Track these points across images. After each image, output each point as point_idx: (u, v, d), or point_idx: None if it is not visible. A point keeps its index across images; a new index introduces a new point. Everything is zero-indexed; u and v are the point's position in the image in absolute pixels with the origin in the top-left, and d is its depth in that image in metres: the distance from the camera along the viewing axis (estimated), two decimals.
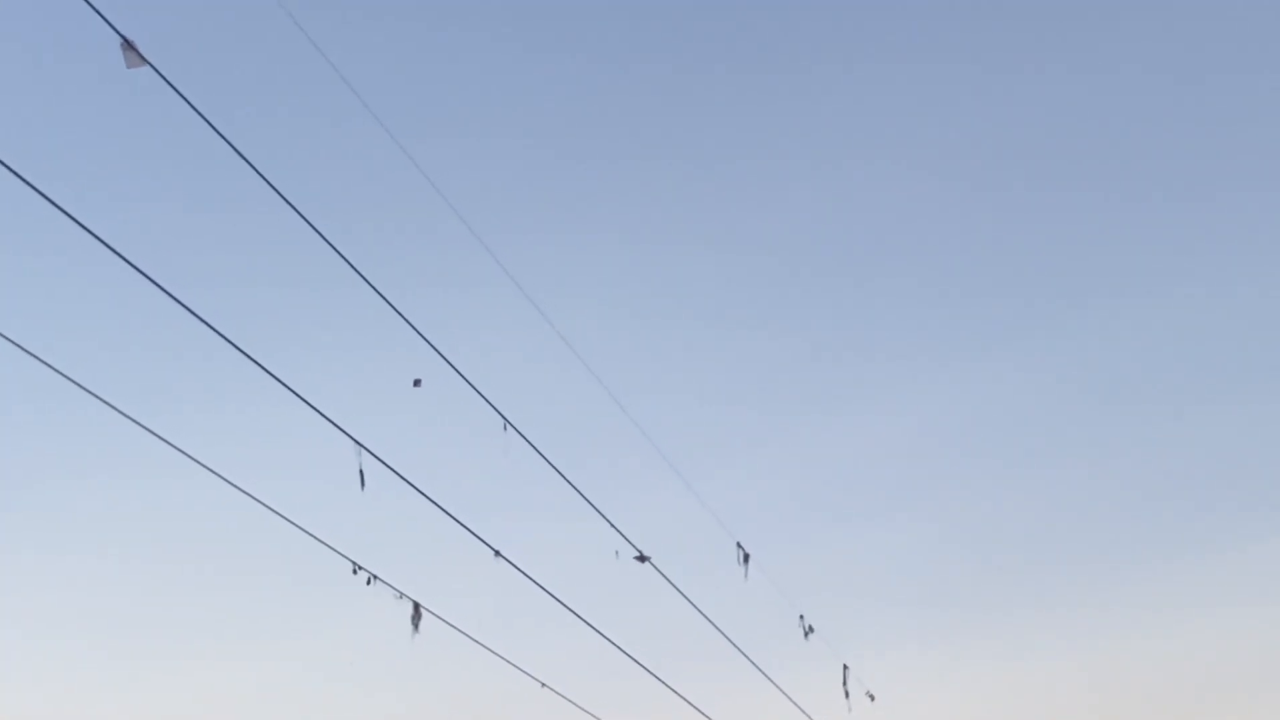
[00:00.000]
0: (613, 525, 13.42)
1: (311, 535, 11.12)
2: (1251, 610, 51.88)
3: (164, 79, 8.53)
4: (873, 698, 19.88)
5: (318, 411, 10.00)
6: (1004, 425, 57.33)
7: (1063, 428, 56.53)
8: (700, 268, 54.35)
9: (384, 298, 10.11)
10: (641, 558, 14.17)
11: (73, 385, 9.16)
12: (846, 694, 19.11)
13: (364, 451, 10.40)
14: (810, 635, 17.53)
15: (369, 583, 11.91)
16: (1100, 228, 54.20)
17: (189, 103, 8.71)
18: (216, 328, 9.23)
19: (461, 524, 11.66)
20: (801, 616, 17.57)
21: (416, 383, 12.81)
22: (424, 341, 10.56)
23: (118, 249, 8.53)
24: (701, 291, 54.39)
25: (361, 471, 10.45)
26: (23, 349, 8.78)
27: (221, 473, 10.25)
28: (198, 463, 10.08)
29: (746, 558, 16.03)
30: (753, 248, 53.53)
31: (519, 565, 12.50)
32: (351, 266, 9.98)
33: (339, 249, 9.82)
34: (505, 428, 11.64)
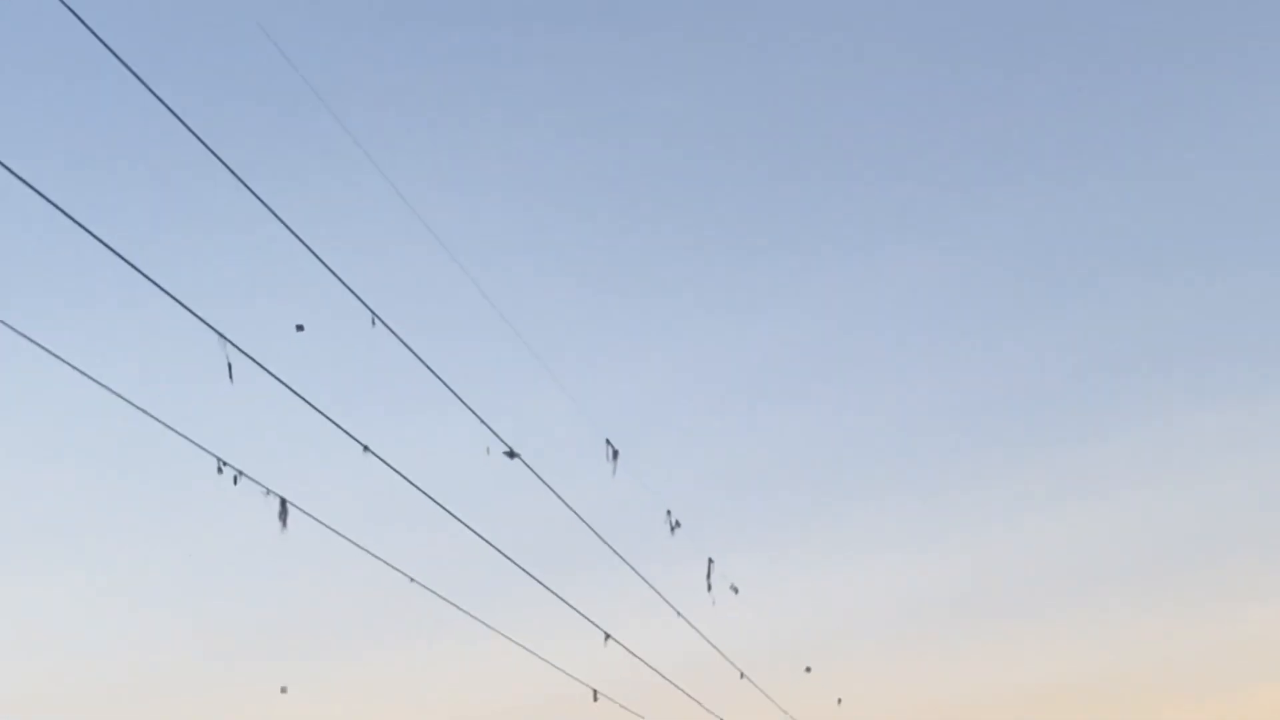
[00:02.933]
0: (482, 421, 13.46)
1: (176, 431, 10.98)
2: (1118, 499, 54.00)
3: None
4: (736, 590, 20.33)
5: (181, 304, 9.82)
6: (869, 321, 58.39)
7: (938, 318, 57.74)
8: (577, 153, 54.04)
9: (248, 187, 9.92)
10: (511, 453, 14.24)
11: None
12: (710, 587, 19.51)
13: (229, 344, 10.25)
14: (676, 530, 17.83)
15: (235, 481, 11.80)
16: (1012, 110, 54.96)
17: None
18: (76, 218, 8.99)
19: (329, 419, 11.59)
20: (669, 512, 17.85)
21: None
22: (290, 233, 10.39)
23: None
24: (576, 177, 54.16)
25: (230, 365, 10.31)
26: None
27: (84, 368, 10.06)
28: (59, 359, 9.87)
29: (615, 454, 16.19)
30: (636, 132, 53.33)
31: (388, 460, 12.48)
32: (215, 155, 9.76)
33: (199, 135, 9.58)
34: (374, 322, 11.55)
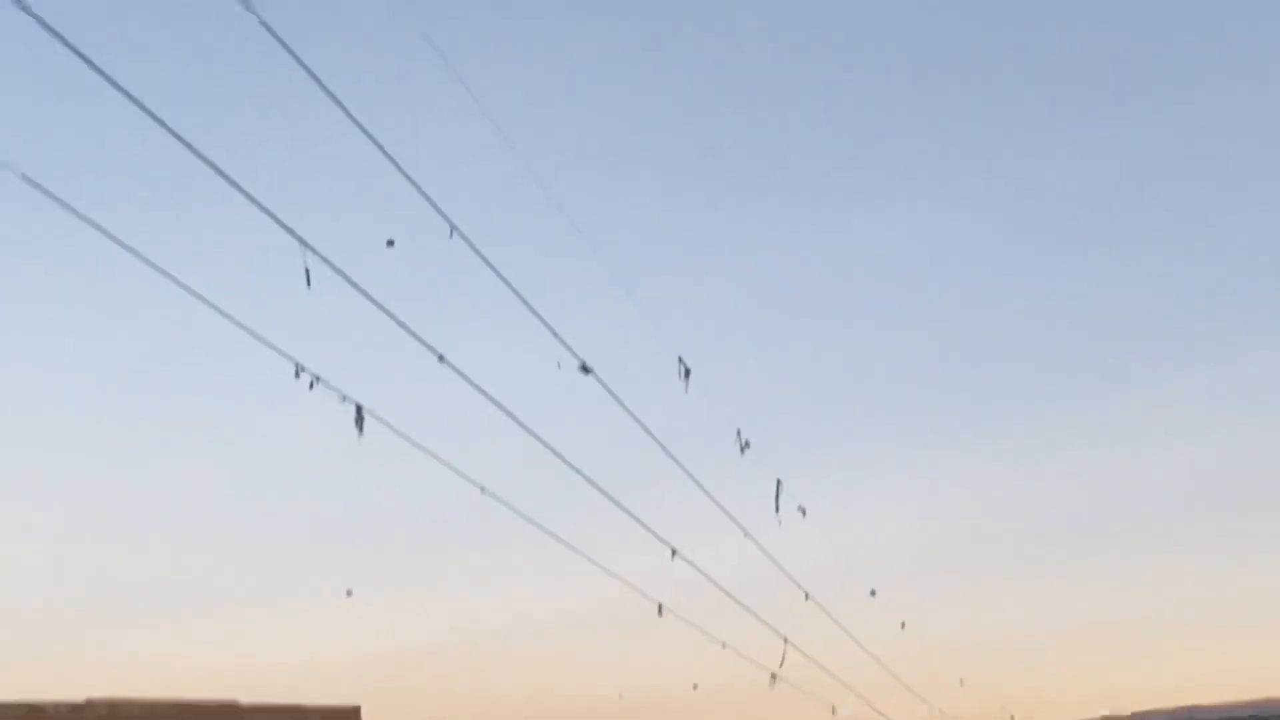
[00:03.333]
0: (555, 334, 13.53)
1: (255, 335, 11.15)
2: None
3: None
4: (804, 512, 20.35)
5: (264, 209, 9.95)
6: (953, 244, 57.69)
7: (1009, 249, 56.96)
8: (656, 70, 53.61)
9: (334, 98, 9.99)
10: (584, 368, 14.30)
11: (23, 183, 9.06)
12: (778, 508, 19.53)
13: (309, 251, 10.37)
14: (746, 450, 17.85)
15: (312, 386, 11.94)
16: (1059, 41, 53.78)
17: None
18: (168, 124, 9.12)
19: (406, 328, 11.72)
20: (739, 431, 17.86)
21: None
22: (373, 144, 10.47)
23: (69, 40, 8.37)
24: (656, 93, 53.79)
25: (308, 271, 10.43)
26: None
27: (168, 270, 10.23)
28: (145, 260, 10.04)
29: (688, 372, 16.19)
30: (717, 49, 52.74)
31: (463, 371, 12.59)
32: (303, 66, 9.83)
33: (291, 48, 9.66)
34: (451, 233, 11.62)
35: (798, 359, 58.48)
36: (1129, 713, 33.16)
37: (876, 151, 56.78)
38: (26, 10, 8.20)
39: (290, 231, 10.18)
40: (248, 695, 26.70)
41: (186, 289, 10.30)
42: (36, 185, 9.10)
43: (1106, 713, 33.67)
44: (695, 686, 41.62)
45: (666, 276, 51.63)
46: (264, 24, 9.38)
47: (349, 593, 30.93)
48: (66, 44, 8.34)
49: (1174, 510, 55.68)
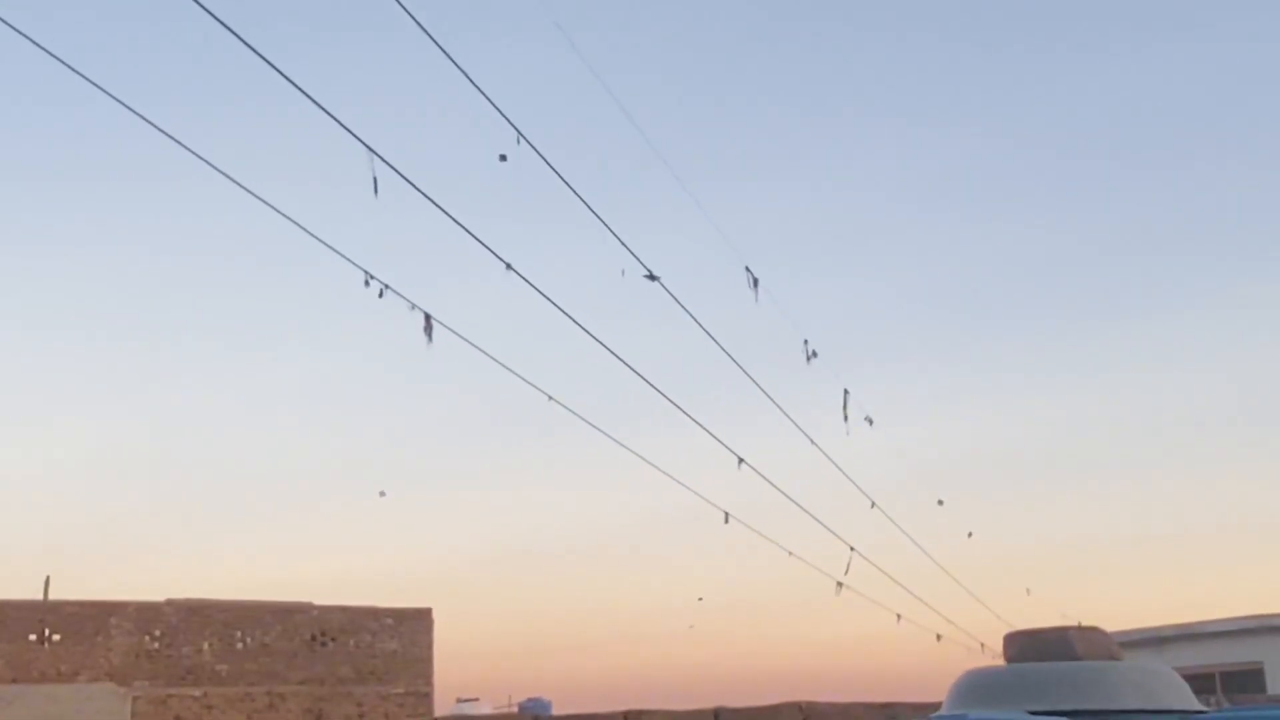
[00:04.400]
0: (622, 242, 13.47)
1: (324, 242, 11.23)
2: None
3: None
4: (871, 422, 20.31)
5: (331, 116, 9.96)
6: (1014, 158, 56.74)
7: (1080, 167, 55.94)
8: None
9: (401, 4, 9.91)
10: (650, 276, 14.26)
11: (86, 83, 9.12)
12: (845, 418, 19.50)
13: (375, 158, 10.38)
14: (813, 360, 17.77)
15: (381, 295, 12.03)
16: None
17: None
18: (232, 27, 9.12)
19: (473, 235, 11.73)
20: (805, 341, 17.78)
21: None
22: (437, 47, 10.41)
23: None
24: (730, 11, 53.08)
25: (375, 178, 10.45)
26: (40, 46, 8.71)
27: (235, 176, 10.30)
28: (212, 165, 10.11)
29: (755, 282, 16.10)
30: None
31: (529, 279, 12.61)
32: None
33: None
34: (519, 140, 11.57)
35: (864, 269, 58.10)
36: (1196, 620, 33.09)
37: (939, 63, 55.79)
38: None
39: (356, 137, 10.19)
40: (321, 598, 27.33)
41: (254, 195, 10.36)
42: (107, 92, 9.17)
43: (1174, 622, 33.58)
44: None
45: (735, 185, 51.33)
46: None
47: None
48: None
49: (1247, 420, 55.07)
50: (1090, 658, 12.80)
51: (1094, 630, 13.49)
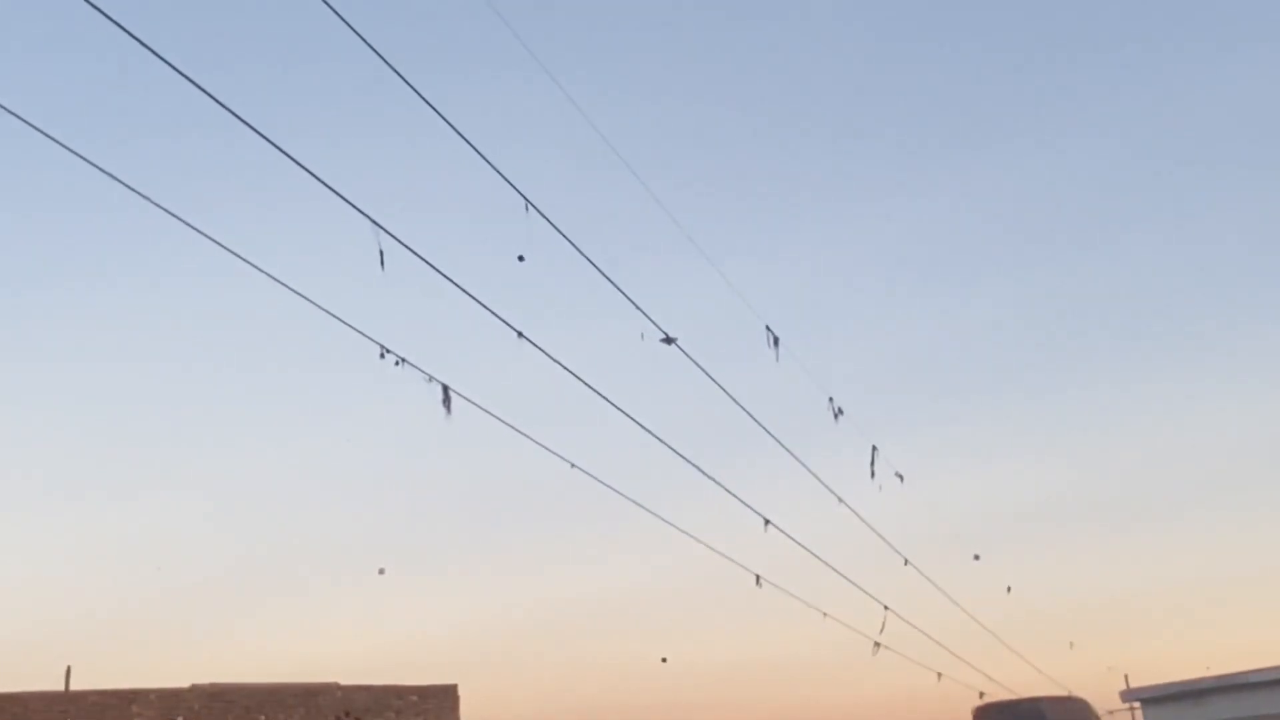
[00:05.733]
0: (635, 305, 13.26)
1: (338, 318, 11.03)
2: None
3: None
4: (901, 478, 19.98)
5: (338, 194, 9.79)
6: (1036, 211, 56.64)
7: (1103, 213, 55.79)
8: (737, 45, 53.10)
9: (404, 79, 9.78)
10: (667, 339, 14.02)
11: (102, 174, 8.98)
12: (874, 474, 19.19)
13: (382, 232, 10.19)
14: (840, 417, 17.50)
15: (398, 364, 11.86)
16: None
17: None
18: (238, 113, 8.98)
19: (484, 306, 11.53)
20: (831, 399, 17.52)
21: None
22: (446, 123, 10.26)
23: (139, 36, 8.24)
24: (737, 69, 53.29)
25: (381, 252, 10.26)
26: (55, 140, 8.57)
27: (249, 258, 10.12)
28: (225, 248, 9.94)
29: (776, 341, 15.87)
30: (800, 24, 52.14)
31: (542, 347, 12.39)
32: (374, 51, 9.65)
33: (362, 34, 9.48)
34: (527, 209, 11.40)
35: (890, 324, 57.81)
36: (1238, 671, 32.36)
37: (961, 116, 55.81)
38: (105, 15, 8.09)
39: (362, 213, 10.02)
40: (345, 677, 26.93)
41: (268, 274, 10.19)
42: (113, 176, 9.02)
43: (1219, 672, 32.88)
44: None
45: (751, 245, 51.26)
46: (335, 11, 9.19)
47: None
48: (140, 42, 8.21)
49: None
50: None
51: (1070, 699, 13.26)
